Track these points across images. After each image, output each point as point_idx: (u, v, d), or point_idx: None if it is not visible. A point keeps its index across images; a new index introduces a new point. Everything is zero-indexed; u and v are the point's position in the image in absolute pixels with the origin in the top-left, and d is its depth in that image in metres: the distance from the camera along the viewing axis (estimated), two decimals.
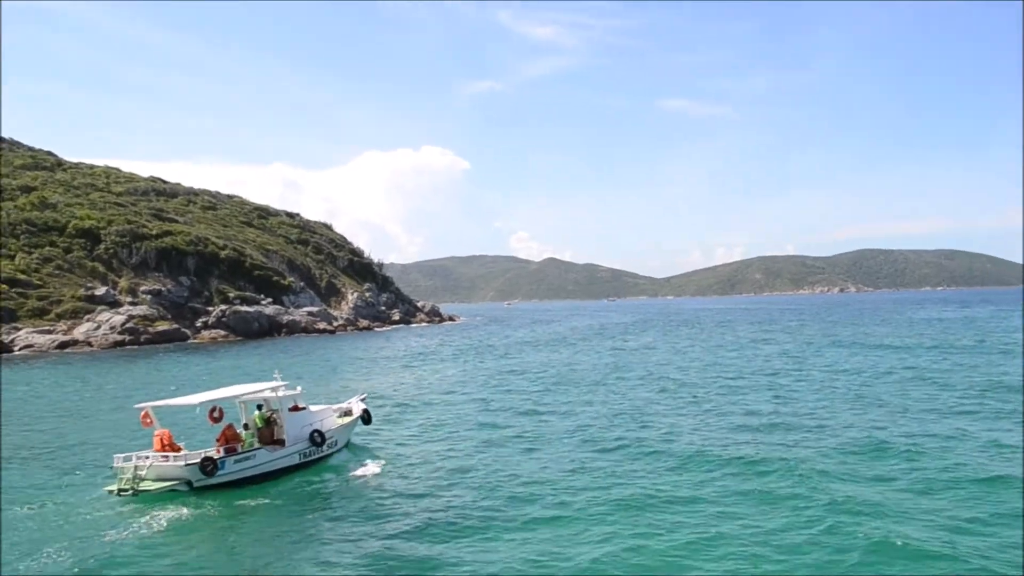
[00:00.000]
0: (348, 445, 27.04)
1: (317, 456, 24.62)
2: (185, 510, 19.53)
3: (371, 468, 23.91)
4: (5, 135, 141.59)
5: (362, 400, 29.14)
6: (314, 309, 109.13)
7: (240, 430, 23.80)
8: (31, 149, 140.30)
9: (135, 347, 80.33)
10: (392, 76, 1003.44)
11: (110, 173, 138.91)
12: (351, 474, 23.34)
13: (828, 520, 16.51)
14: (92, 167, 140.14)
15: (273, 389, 24.64)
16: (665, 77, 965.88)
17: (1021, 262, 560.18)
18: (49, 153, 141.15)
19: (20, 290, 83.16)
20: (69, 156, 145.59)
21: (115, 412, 36.54)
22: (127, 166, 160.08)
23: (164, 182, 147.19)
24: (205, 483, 21.25)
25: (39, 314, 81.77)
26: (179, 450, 22.06)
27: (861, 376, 42.29)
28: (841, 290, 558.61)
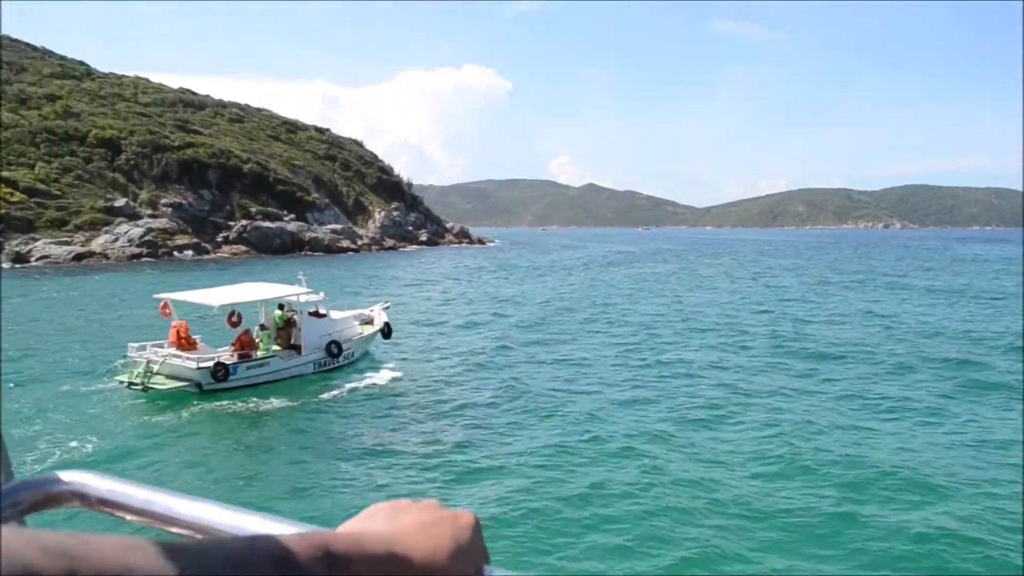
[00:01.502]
0: (365, 356, 26.60)
1: (331, 367, 24.34)
2: (195, 410, 19.74)
3: (385, 380, 23.60)
4: (39, 44, 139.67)
5: (385, 309, 28.90)
6: (338, 227, 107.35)
7: (256, 331, 23.52)
8: (63, 58, 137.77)
9: (152, 260, 79.39)
10: None
11: (139, 84, 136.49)
12: (364, 384, 22.96)
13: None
14: (121, 77, 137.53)
15: (296, 294, 24.45)
16: None
17: None
18: (80, 63, 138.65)
19: (39, 200, 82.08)
20: (103, 67, 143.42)
21: (131, 312, 37.94)
22: (173, 80, 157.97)
23: (194, 94, 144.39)
24: (215, 387, 21.17)
25: (57, 225, 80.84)
26: (195, 344, 22.15)
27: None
28: (886, 226, 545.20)
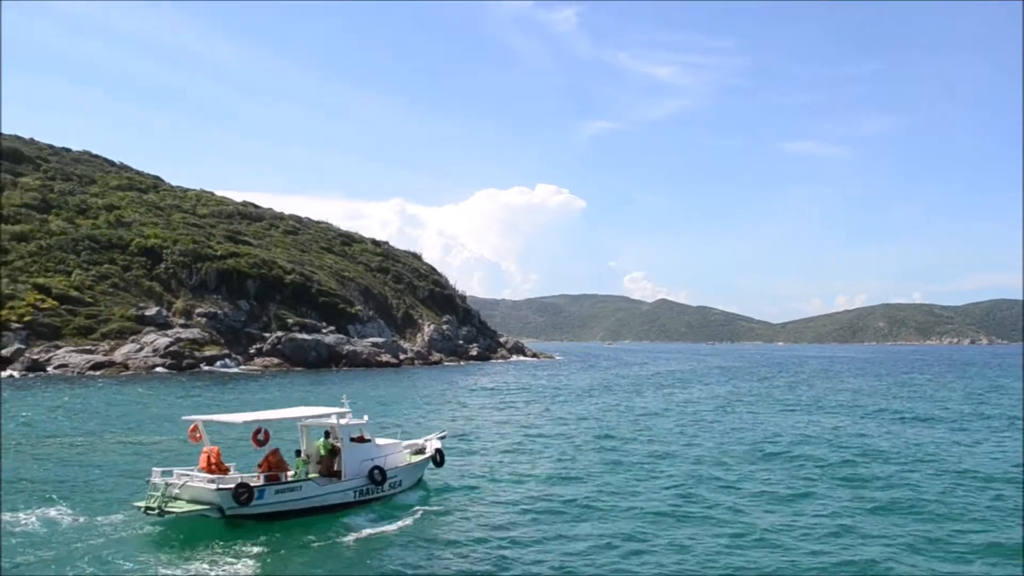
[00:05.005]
0: (416, 486, 24.29)
1: (375, 496, 21.97)
2: (212, 542, 17.55)
3: (436, 517, 21.10)
4: (116, 159, 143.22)
5: (440, 438, 26.75)
6: (379, 340, 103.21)
7: (295, 463, 21.30)
8: (139, 173, 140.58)
9: (175, 372, 76.01)
10: (507, 114, 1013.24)
11: (201, 196, 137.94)
12: (412, 521, 20.46)
13: None
14: (185, 191, 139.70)
15: (338, 416, 22.31)
16: (783, 118, 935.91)
17: None
18: (156, 177, 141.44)
19: (69, 307, 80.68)
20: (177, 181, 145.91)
21: (156, 430, 36.02)
22: (257, 199, 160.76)
23: (255, 207, 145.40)
24: (238, 512, 18.85)
25: (84, 332, 78.83)
26: (227, 471, 20.22)
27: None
28: (972, 342, 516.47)
